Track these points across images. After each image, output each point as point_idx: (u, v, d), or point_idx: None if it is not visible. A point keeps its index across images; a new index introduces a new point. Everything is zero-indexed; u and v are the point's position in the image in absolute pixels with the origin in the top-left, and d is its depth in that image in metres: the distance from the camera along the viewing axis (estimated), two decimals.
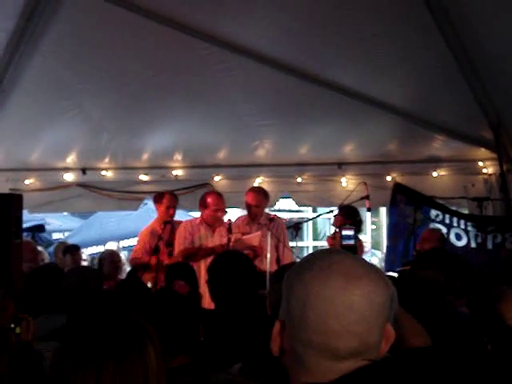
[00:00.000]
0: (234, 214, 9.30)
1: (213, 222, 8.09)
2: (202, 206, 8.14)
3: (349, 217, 7.88)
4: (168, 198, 8.54)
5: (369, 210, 8.62)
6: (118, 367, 1.99)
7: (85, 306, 4.42)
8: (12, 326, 4.13)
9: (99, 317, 2.15)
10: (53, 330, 4.24)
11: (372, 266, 1.69)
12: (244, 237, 7.85)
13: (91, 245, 13.51)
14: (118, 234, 13.85)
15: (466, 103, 7.77)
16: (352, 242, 3.01)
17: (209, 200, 8.09)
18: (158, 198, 8.67)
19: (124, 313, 2.17)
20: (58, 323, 4.45)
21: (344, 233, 3.05)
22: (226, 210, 8.21)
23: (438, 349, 1.00)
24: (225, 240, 7.67)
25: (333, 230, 8.37)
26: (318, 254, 1.75)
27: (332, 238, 7.94)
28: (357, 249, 3.06)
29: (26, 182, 9.70)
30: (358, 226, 7.35)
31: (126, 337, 2.06)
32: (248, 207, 8.27)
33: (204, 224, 8.12)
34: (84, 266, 8.03)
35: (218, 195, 8.23)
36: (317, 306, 1.58)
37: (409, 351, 1.14)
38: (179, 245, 8.05)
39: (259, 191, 8.53)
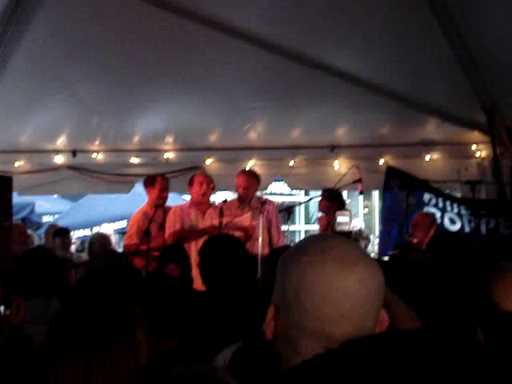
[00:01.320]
0: (225, 197, 9.28)
1: (200, 198, 8.11)
2: (190, 184, 8.28)
3: (333, 200, 7.89)
4: (161, 182, 8.51)
5: (361, 193, 8.64)
6: (108, 351, 2.00)
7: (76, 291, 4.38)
8: (1, 307, 4.10)
9: (89, 301, 2.17)
10: (44, 313, 4.19)
11: (365, 251, 1.71)
12: (235, 219, 7.85)
13: (79, 228, 13.47)
14: (106, 216, 13.83)
15: (460, 86, 7.75)
16: (346, 228, 3.00)
17: (194, 176, 8.31)
18: (149, 181, 8.62)
19: (113, 297, 2.18)
20: (50, 306, 4.42)
21: (339, 219, 3.03)
22: (216, 190, 8.28)
23: (423, 332, 0.99)
24: (216, 222, 7.67)
25: (320, 214, 8.36)
26: (313, 239, 1.73)
27: (321, 219, 7.98)
28: (352, 235, 3.05)
29: (16, 164, 9.63)
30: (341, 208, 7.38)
31: (116, 320, 2.07)
32: (238, 189, 8.28)
33: (194, 207, 8.14)
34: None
35: (204, 174, 8.48)
36: (312, 292, 1.57)
37: (386, 333, 1.14)
38: (169, 228, 8.06)
39: (249, 173, 8.59)
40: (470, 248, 5.24)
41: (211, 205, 8.33)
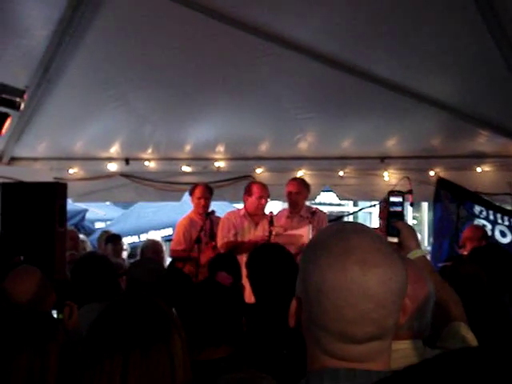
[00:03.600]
0: (275, 207, 9.30)
1: (255, 211, 8.10)
2: (247, 193, 8.21)
3: None
4: (200, 189, 8.58)
5: (411, 204, 8.58)
6: (144, 356, 2.02)
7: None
8: (55, 311, 4.17)
9: (126, 306, 2.18)
10: None
11: (389, 248, 1.64)
12: (288, 232, 7.83)
13: (129, 234, 13.63)
14: (154, 224, 13.96)
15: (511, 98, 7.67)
16: (399, 208, 3.02)
17: (254, 188, 8.20)
18: (191, 189, 8.71)
19: (150, 302, 2.19)
20: None
21: (392, 199, 3.06)
22: (268, 200, 8.24)
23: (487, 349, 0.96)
24: (266, 233, 7.67)
25: (377, 222, 8.30)
26: (336, 234, 1.66)
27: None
28: (404, 215, 3.06)
29: (70, 171, 9.79)
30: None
31: (153, 326, 2.08)
32: (289, 195, 8.27)
33: (248, 217, 8.14)
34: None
35: (263, 184, 8.32)
36: (332, 295, 1.55)
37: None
38: (223, 237, 8.06)
39: (300, 180, 8.61)
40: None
41: (264, 215, 8.31)
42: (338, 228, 1.71)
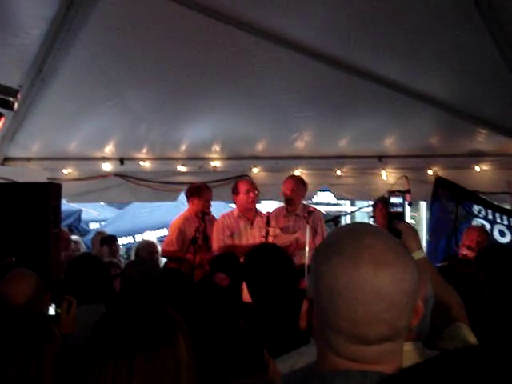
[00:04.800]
0: (271, 207, 9.26)
1: (247, 206, 8.09)
2: (234, 193, 8.28)
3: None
4: (205, 191, 8.52)
5: (410, 204, 8.53)
6: (149, 359, 2.00)
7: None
8: (53, 305, 4.13)
9: (130, 308, 2.17)
10: (93, 320, 4.21)
11: (401, 248, 1.64)
12: (284, 236, 7.81)
13: (124, 235, 13.59)
14: (149, 224, 13.94)
15: (511, 97, 7.62)
16: (400, 209, 3.01)
17: (239, 185, 8.30)
18: (193, 190, 8.63)
19: (154, 304, 2.18)
20: (100, 313, 4.43)
21: (392, 200, 3.04)
22: (261, 199, 8.23)
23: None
24: (263, 233, 7.64)
25: (371, 222, 8.30)
26: (349, 234, 1.66)
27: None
28: (404, 215, 3.05)
29: (64, 171, 9.75)
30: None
31: (157, 328, 2.07)
32: (286, 192, 8.25)
33: (242, 217, 8.12)
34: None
35: (248, 180, 8.49)
36: (345, 295, 1.55)
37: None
38: (218, 240, 8.05)
39: (297, 177, 8.69)
40: None
41: (258, 212, 8.29)
42: (349, 228, 1.73)
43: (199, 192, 8.51)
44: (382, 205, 7.92)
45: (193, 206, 8.54)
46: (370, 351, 1.57)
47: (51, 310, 4.19)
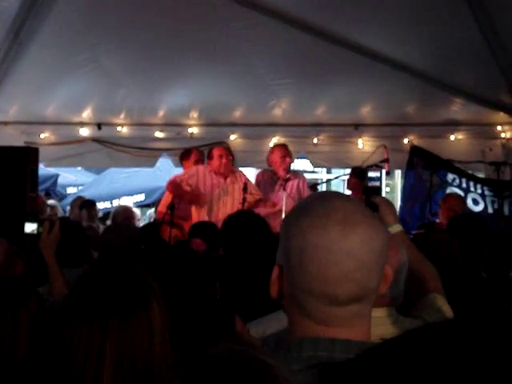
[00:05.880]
0: (249, 174, 9.27)
1: (219, 171, 8.07)
2: (209, 158, 8.29)
3: (362, 178, 7.84)
4: (196, 154, 8.56)
5: (387, 173, 8.56)
6: (123, 323, 2.01)
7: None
8: (35, 224, 4.14)
9: (105, 273, 2.18)
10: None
11: (369, 210, 1.67)
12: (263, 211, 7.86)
13: (101, 200, 13.53)
14: (126, 190, 13.88)
15: (486, 67, 7.67)
16: (377, 183, 3.03)
17: (213, 150, 8.30)
18: (185, 154, 8.73)
19: (128, 269, 2.19)
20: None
21: (370, 174, 3.07)
22: (239, 166, 8.24)
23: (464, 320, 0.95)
24: (240, 199, 7.67)
25: (348, 193, 8.33)
26: (316, 199, 1.70)
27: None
28: (381, 190, 3.08)
29: (42, 135, 9.68)
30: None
31: (131, 293, 2.08)
32: (285, 159, 8.33)
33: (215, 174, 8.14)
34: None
35: (223, 146, 8.51)
36: (315, 255, 1.56)
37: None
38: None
39: (285, 145, 8.67)
40: (488, 229, 5.23)
41: (235, 173, 8.27)
42: (319, 194, 1.79)
43: (189, 154, 8.67)
44: (354, 177, 7.98)
45: (185, 169, 8.61)
46: (341, 312, 1.58)
47: (30, 228, 4.22)
